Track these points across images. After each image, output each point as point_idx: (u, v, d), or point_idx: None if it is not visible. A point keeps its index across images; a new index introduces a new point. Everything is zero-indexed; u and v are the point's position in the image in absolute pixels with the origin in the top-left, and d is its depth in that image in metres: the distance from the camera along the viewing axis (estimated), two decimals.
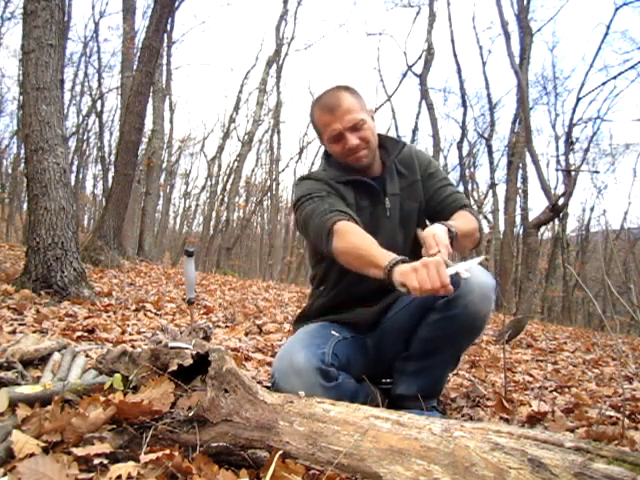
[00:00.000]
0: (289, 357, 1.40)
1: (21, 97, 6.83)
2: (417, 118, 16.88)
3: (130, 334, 2.81)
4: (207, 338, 1.37)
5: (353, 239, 1.42)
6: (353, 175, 1.64)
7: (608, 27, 11.59)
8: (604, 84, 12.24)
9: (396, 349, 1.58)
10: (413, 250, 1.61)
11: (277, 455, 0.95)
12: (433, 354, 1.51)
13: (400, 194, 1.68)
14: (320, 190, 1.60)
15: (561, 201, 4.35)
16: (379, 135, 1.68)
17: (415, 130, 17.07)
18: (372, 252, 1.35)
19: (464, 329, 1.48)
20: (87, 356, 1.82)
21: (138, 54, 8.29)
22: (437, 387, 1.62)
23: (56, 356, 1.70)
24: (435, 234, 1.36)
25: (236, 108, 19.51)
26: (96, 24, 16.34)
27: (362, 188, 1.65)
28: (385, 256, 1.32)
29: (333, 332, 1.56)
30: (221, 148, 21.61)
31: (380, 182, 1.67)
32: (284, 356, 1.43)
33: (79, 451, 0.96)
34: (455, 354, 1.61)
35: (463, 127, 16.40)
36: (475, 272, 1.43)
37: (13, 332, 2.45)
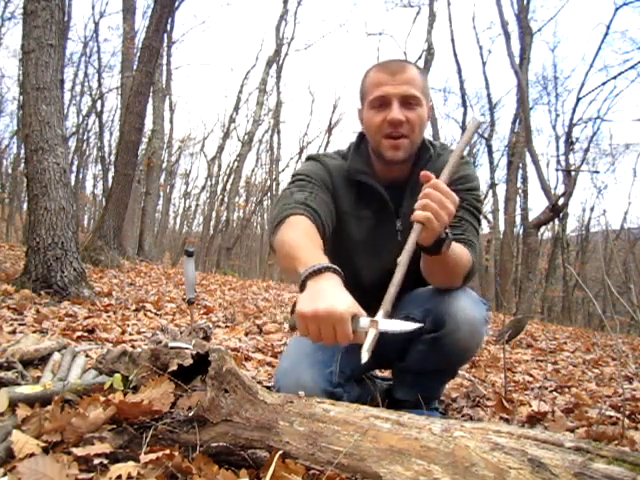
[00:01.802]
0: (295, 377, 1.34)
1: (21, 97, 6.83)
2: None
3: (130, 334, 2.82)
4: (207, 338, 1.37)
5: (290, 233, 1.19)
6: (372, 178, 1.42)
7: (608, 27, 11.60)
8: (604, 84, 12.25)
9: (393, 353, 1.57)
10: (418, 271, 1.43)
11: (277, 455, 0.95)
12: (428, 374, 1.49)
13: None
14: (315, 178, 1.39)
15: (561, 201, 4.36)
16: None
17: None
18: (299, 252, 1.11)
19: (454, 361, 1.45)
20: (87, 356, 1.82)
21: (138, 54, 8.30)
22: (435, 394, 1.62)
23: (56, 356, 1.70)
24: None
25: (236, 108, 19.56)
26: (96, 24, 16.40)
27: (372, 198, 1.44)
28: (310, 259, 1.06)
29: None
30: (221, 148, 21.66)
31: (397, 196, 1.44)
32: (290, 373, 1.37)
33: (79, 451, 0.96)
34: (449, 374, 1.59)
35: (463, 127, 16.42)
36: (464, 305, 1.35)
37: (13, 332, 2.46)
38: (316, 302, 0.98)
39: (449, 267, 1.30)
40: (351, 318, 0.98)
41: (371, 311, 1.25)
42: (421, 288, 1.47)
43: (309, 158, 1.52)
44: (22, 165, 14.31)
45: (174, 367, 1.13)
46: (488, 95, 15.53)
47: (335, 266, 1.07)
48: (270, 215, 1.41)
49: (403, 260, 1.09)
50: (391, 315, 1.48)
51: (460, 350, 1.38)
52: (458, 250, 1.27)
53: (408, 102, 1.32)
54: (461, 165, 1.44)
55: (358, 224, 1.46)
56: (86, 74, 17.74)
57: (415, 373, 1.51)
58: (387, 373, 2.01)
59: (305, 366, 1.37)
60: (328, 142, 21.29)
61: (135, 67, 8.64)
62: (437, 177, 1.39)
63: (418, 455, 0.87)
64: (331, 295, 0.99)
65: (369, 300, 1.51)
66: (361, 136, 1.49)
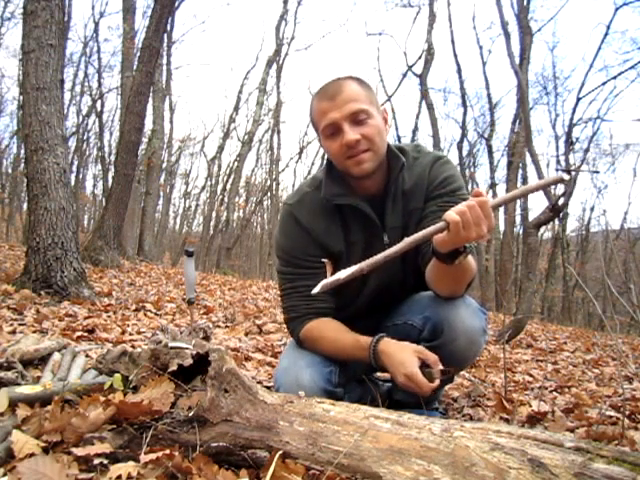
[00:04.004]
0: (295, 375, 1.35)
1: (21, 97, 6.83)
2: (417, 118, 16.95)
3: (130, 334, 2.82)
4: (207, 338, 1.37)
5: (321, 343, 1.41)
6: (350, 196, 1.40)
7: (608, 27, 11.65)
8: (604, 84, 12.29)
9: None
10: (416, 285, 1.49)
11: (277, 455, 0.95)
12: None
13: (402, 226, 1.42)
14: (299, 258, 1.43)
15: (561, 201, 4.36)
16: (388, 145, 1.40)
17: (415, 130, 17.11)
18: (347, 349, 1.36)
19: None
20: (87, 356, 1.82)
21: (138, 54, 8.29)
22: (434, 397, 1.62)
23: (56, 356, 1.70)
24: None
25: (236, 108, 19.54)
26: (96, 24, 16.38)
27: (356, 217, 1.42)
28: (361, 344, 1.33)
29: None
30: (221, 148, 21.63)
31: (379, 210, 1.41)
32: (289, 372, 1.38)
33: (79, 451, 0.96)
34: (448, 380, 1.58)
35: (463, 127, 16.44)
36: (464, 315, 1.34)
37: (13, 332, 2.46)
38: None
39: (457, 277, 1.30)
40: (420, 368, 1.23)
41: (371, 326, 1.29)
42: (421, 293, 1.47)
43: (283, 215, 1.49)
44: (22, 165, 14.30)
45: (174, 367, 1.13)
46: (488, 95, 15.53)
47: (374, 340, 1.33)
48: (281, 308, 1.55)
49: (408, 240, 1.05)
50: (392, 320, 1.50)
51: (457, 360, 1.37)
52: (469, 260, 1.25)
53: (357, 119, 1.30)
54: (441, 166, 1.42)
55: (351, 253, 1.43)
56: (86, 74, 17.75)
57: None
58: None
59: (303, 365, 1.37)
60: None
61: (135, 67, 8.63)
62: (415, 182, 1.42)
63: (418, 455, 0.87)
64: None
65: (369, 317, 1.52)
66: (329, 163, 1.46)
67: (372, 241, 1.43)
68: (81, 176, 21.03)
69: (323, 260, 1.22)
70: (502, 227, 14.09)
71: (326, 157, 1.49)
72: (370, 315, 1.54)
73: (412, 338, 1.40)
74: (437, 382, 1.22)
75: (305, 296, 1.41)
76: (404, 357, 1.24)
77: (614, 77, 12.14)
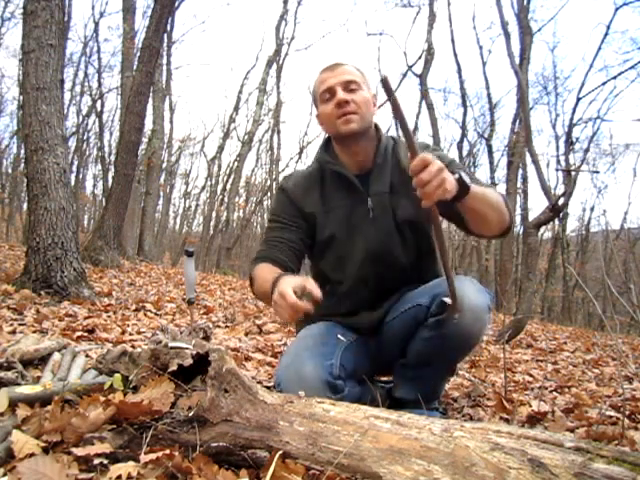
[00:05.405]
0: (296, 368, 1.36)
1: (21, 97, 6.83)
2: (417, 118, 16.92)
3: (130, 334, 2.82)
4: (207, 338, 1.37)
5: (257, 281, 1.50)
6: (339, 166, 1.57)
7: (608, 27, 11.64)
8: (604, 84, 12.28)
9: (395, 353, 1.58)
10: (419, 260, 1.58)
11: (277, 455, 0.95)
12: (428, 365, 1.51)
13: (390, 192, 1.55)
14: (278, 215, 1.62)
15: (561, 201, 4.36)
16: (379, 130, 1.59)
17: (415, 130, 17.09)
18: (265, 284, 1.38)
19: (456, 347, 1.47)
20: (87, 356, 1.82)
21: (138, 54, 8.29)
22: (436, 393, 1.63)
23: (56, 356, 1.70)
24: None
25: (236, 108, 19.51)
26: (96, 24, 16.35)
27: (340, 185, 1.57)
28: (271, 280, 1.33)
29: (339, 337, 1.53)
30: (221, 148, 21.60)
31: (364, 178, 1.57)
32: (290, 366, 1.39)
33: (79, 451, 0.96)
34: (450, 366, 1.62)
35: (463, 127, 16.46)
36: (468, 291, 1.39)
37: (13, 332, 2.46)
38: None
39: (489, 204, 1.36)
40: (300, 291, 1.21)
41: (377, 319, 1.32)
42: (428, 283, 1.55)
43: (280, 188, 1.68)
44: (22, 165, 14.29)
45: (174, 367, 1.13)
46: (488, 95, 15.52)
47: (281, 273, 1.37)
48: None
49: (441, 240, 1.16)
50: (399, 309, 1.56)
51: (463, 335, 1.41)
52: (489, 191, 1.36)
53: (350, 87, 1.50)
54: (432, 151, 1.46)
55: (331, 218, 1.57)
56: (86, 74, 17.71)
57: (416, 367, 1.52)
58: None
59: (306, 358, 1.39)
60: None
61: (135, 67, 8.63)
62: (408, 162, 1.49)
63: (418, 455, 0.87)
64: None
65: (365, 284, 1.59)
66: (327, 140, 1.66)
67: (357, 206, 1.56)
68: (81, 176, 21.02)
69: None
70: None
71: (323, 138, 1.68)
72: (375, 306, 1.60)
73: (420, 319, 1.47)
74: (303, 304, 1.17)
75: (269, 244, 1.58)
76: (283, 281, 1.27)
77: (614, 77, 12.14)
